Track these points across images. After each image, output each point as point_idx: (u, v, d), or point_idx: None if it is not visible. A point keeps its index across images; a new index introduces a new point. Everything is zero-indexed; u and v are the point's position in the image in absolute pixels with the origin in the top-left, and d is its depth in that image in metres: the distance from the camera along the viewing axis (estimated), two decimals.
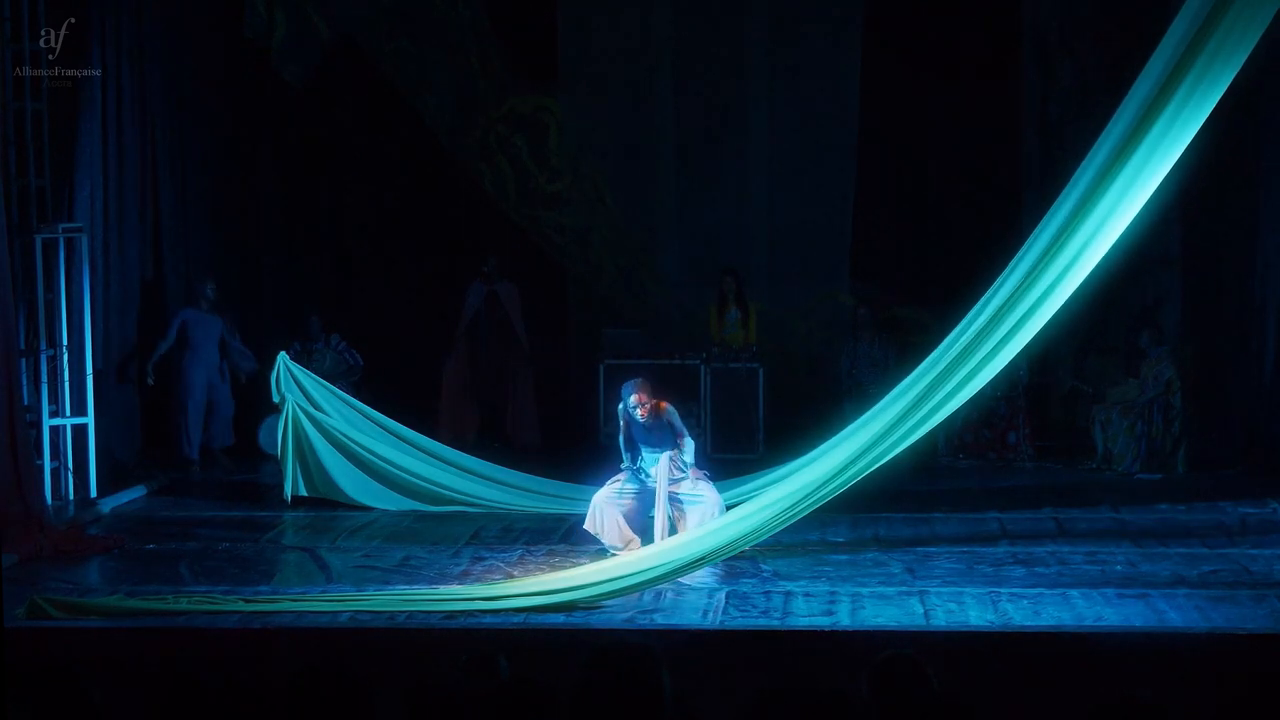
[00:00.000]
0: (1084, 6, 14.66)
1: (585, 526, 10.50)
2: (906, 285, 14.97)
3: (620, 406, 10.50)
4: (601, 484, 10.59)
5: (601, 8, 15.44)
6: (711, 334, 14.63)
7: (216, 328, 13.84)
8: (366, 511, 11.94)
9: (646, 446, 10.43)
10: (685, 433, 10.44)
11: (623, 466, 10.51)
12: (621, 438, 10.54)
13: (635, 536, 10.37)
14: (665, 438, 10.38)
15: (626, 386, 10.49)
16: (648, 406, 10.32)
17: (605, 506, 10.43)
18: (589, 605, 9.03)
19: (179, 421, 13.81)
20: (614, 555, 10.11)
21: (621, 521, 10.39)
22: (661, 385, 10.89)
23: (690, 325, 15.10)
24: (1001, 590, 9.38)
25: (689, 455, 10.40)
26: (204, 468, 13.83)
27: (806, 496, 9.58)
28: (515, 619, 8.78)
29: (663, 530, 10.20)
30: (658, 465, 10.32)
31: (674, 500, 10.31)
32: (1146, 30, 9.52)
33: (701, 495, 10.32)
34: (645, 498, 10.47)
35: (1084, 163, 9.25)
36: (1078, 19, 14.67)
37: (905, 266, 15.06)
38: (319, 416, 12.12)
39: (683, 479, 10.34)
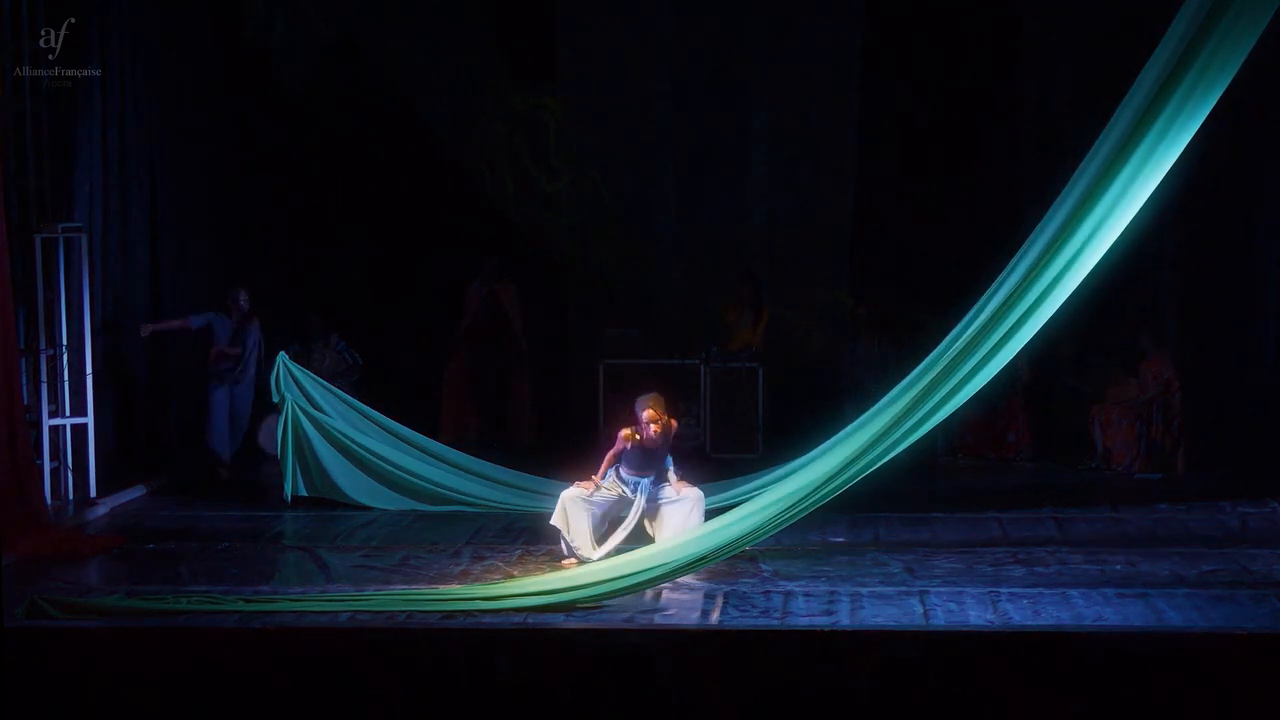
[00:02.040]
0: (1083, 7, 14.66)
1: (553, 522, 10.31)
2: (906, 285, 14.96)
3: (627, 431, 10.18)
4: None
5: (601, 7, 15.45)
6: (727, 331, 14.62)
7: (251, 337, 13.50)
8: (366, 511, 11.96)
9: (632, 470, 10.23)
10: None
11: (602, 482, 10.27)
12: (616, 453, 10.24)
13: (598, 543, 10.23)
14: (657, 462, 10.26)
15: (640, 402, 10.24)
16: (661, 424, 10.16)
17: (575, 510, 10.22)
18: (589, 605, 9.04)
19: (206, 424, 13.65)
20: (575, 559, 10.10)
21: (590, 527, 10.22)
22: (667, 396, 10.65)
23: (690, 325, 15.10)
24: (1001, 590, 9.38)
25: (670, 468, 10.35)
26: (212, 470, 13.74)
27: (806, 496, 9.58)
28: (515, 619, 8.78)
29: (626, 532, 10.11)
30: (642, 489, 10.19)
31: (651, 503, 10.25)
32: (1146, 30, 9.51)
33: (684, 496, 10.28)
34: (613, 506, 10.33)
35: (1084, 163, 9.26)
36: (1077, 20, 14.66)
37: (905, 266, 15.05)
38: (319, 416, 12.12)
39: (666, 487, 10.31)
